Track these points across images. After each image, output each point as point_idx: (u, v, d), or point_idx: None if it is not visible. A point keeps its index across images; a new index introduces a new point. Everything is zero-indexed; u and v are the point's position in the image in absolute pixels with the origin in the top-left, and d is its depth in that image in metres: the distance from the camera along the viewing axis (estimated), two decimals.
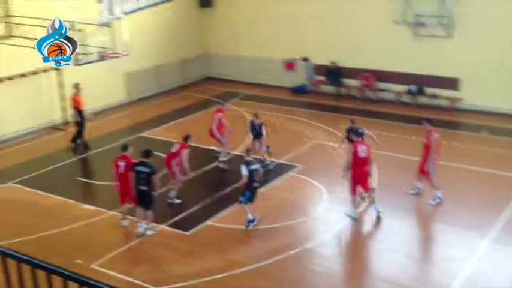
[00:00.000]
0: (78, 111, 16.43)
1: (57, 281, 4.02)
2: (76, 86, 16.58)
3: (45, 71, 17.65)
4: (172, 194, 12.80)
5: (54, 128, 18.07)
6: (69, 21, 14.48)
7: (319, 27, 21.56)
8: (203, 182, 14.24)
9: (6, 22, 16.43)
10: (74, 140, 16.57)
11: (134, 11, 20.95)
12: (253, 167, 11.42)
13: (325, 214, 12.45)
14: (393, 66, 20.35)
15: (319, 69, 21.81)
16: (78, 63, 15.26)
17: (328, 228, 11.79)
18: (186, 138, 12.84)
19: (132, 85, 21.01)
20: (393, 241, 11.29)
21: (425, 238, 11.93)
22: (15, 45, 16.09)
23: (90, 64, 15.79)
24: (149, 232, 11.45)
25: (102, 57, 15.68)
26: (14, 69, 16.75)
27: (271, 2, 22.38)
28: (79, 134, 16.50)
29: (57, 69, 17.73)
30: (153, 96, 21.47)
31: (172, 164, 12.61)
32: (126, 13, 19.74)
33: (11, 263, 4.33)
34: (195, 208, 12.57)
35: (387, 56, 20.38)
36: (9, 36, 16.42)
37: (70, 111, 17.05)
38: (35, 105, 17.26)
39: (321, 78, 21.84)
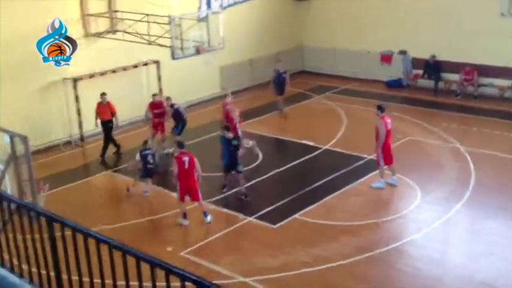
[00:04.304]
0: (102, 122, 15.73)
1: (145, 267, 4.21)
2: (101, 95, 15.74)
3: (145, 64, 18.41)
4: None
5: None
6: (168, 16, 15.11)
7: (419, 18, 20.81)
8: (292, 175, 14.28)
9: (110, 17, 17.27)
10: (103, 154, 15.80)
11: (231, 5, 21.44)
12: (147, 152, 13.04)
13: (417, 213, 12.07)
14: (497, 60, 19.22)
15: (417, 62, 21.06)
16: (175, 57, 15.86)
17: (419, 227, 11.42)
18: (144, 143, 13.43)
19: (226, 78, 21.40)
20: (489, 243, 10.77)
21: None
22: (118, 39, 16.95)
23: (187, 58, 16.39)
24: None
25: (198, 51, 16.14)
26: (117, 63, 17.57)
27: None
28: (105, 146, 15.80)
29: (156, 63, 18.44)
30: (247, 90, 21.76)
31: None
32: (223, 7, 20.24)
33: (104, 248, 4.57)
34: (283, 201, 12.63)
35: (491, 50, 19.27)
36: (113, 31, 17.28)
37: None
38: (135, 98, 18.01)
39: (419, 72, 21.10)
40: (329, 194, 12.93)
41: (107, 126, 15.77)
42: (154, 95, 16.30)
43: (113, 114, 15.72)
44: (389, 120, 13.10)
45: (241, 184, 12.81)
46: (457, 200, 12.38)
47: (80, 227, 4.79)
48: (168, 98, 15.99)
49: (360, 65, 22.46)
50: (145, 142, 13.48)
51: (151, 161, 13.25)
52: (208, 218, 11.86)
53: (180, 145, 12.00)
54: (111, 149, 16.02)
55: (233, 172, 12.94)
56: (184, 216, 11.83)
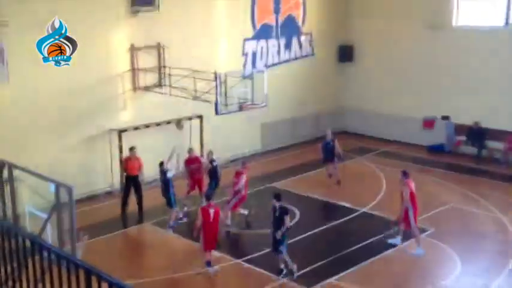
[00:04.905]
0: (129, 177, 15.54)
1: None
2: (130, 150, 15.63)
3: (189, 119, 18.78)
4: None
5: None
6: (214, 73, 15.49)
7: (462, 84, 20.78)
8: (329, 237, 14.13)
9: (158, 72, 17.86)
10: (124, 206, 15.62)
11: (276, 64, 21.89)
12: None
13: (457, 283, 11.70)
14: None
15: (460, 129, 20.86)
16: (219, 113, 16.14)
17: None
18: None
19: (268, 135, 21.62)
20: None
21: None
22: (164, 93, 17.45)
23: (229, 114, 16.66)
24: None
25: (242, 108, 16.44)
26: (161, 116, 18.00)
27: (412, 59, 22.05)
28: (140, 200, 15.66)
29: (200, 118, 18.81)
30: (287, 148, 21.89)
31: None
32: (268, 66, 20.67)
33: None
34: (318, 264, 12.45)
35: None
36: (160, 85, 17.84)
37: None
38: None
39: (462, 138, 20.85)
40: (366, 258, 12.69)
41: (136, 181, 15.55)
42: (189, 150, 16.23)
43: (140, 168, 15.54)
44: (413, 185, 13.04)
45: (287, 260, 11.94)
46: (497, 272, 11.99)
47: (117, 281, 4.85)
48: (210, 153, 16.05)
49: (402, 128, 22.39)
50: (161, 163, 14.36)
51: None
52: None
53: (208, 197, 12.44)
54: (130, 203, 15.69)
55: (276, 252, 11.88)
56: (209, 263, 11.95)
